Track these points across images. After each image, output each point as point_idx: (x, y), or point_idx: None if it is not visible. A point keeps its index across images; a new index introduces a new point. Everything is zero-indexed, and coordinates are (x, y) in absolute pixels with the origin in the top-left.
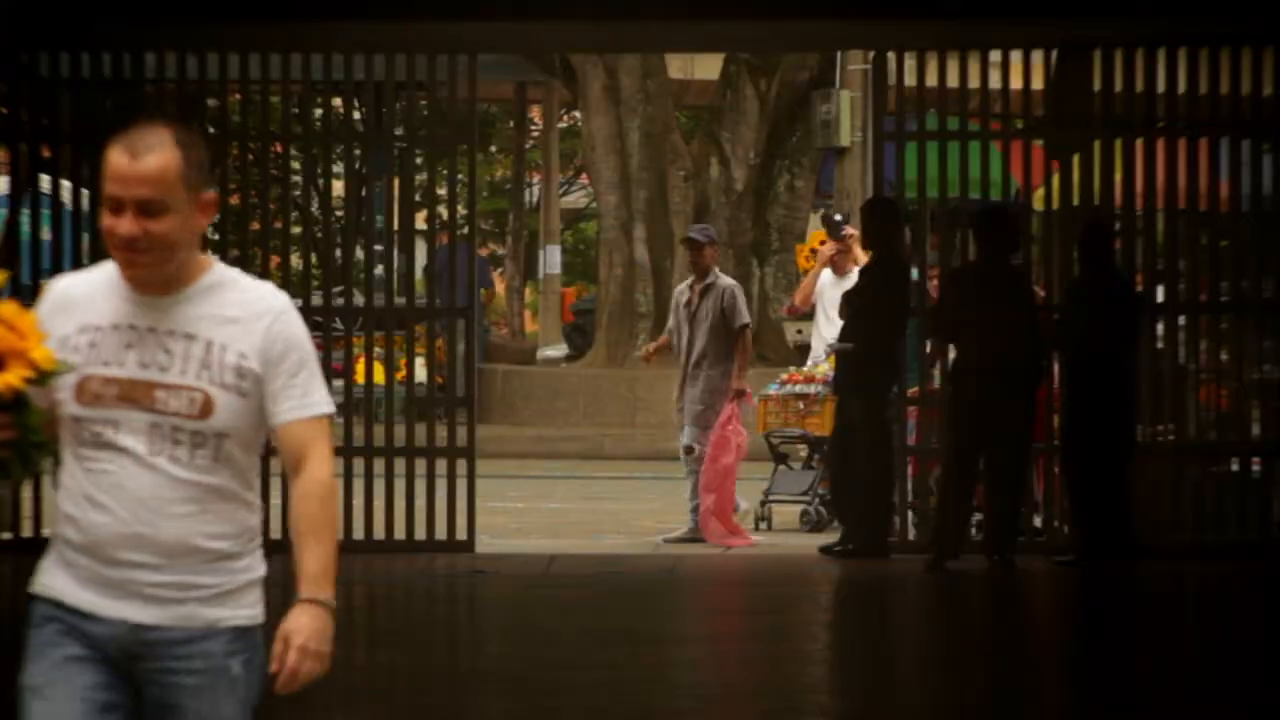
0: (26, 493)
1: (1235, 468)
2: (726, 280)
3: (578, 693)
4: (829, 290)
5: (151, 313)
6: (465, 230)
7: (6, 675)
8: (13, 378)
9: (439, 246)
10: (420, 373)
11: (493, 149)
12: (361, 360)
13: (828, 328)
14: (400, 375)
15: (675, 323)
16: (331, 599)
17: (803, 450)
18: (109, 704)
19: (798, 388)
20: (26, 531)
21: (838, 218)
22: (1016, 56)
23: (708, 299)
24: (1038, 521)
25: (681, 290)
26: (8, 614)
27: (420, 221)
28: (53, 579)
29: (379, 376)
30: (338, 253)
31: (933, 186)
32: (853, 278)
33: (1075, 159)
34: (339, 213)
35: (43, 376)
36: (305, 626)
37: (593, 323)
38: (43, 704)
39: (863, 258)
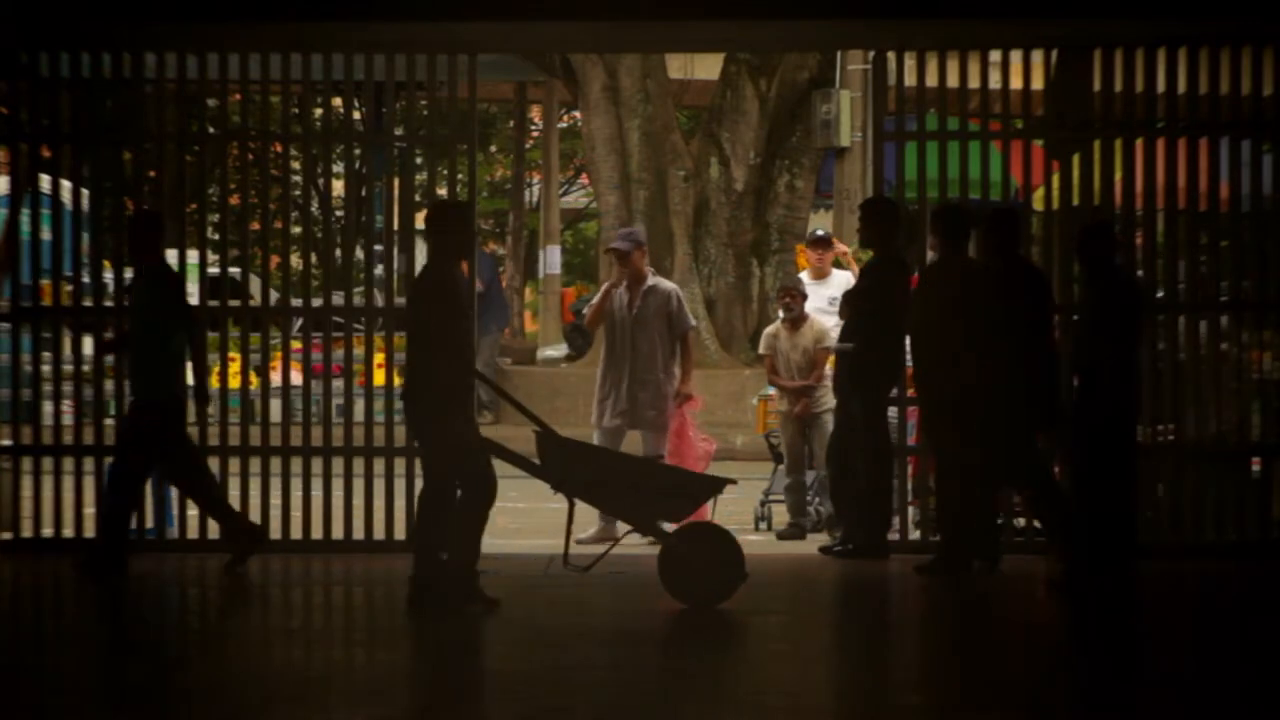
0: (26, 492)
1: (1235, 468)
2: (669, 284)
3: (578, 692)
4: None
5: None
6: None
7: (5, 673)
8: None
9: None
10: None
11: (493, 149)
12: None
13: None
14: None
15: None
16: None
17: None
18: None
19: None
20: (26, 531)
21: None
22: (1016, 56)
23: (651, 302)
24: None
25: (618, 290)
26: (8, 614)
27: (420, 221)
28: None
29: (379, 377)
30: (338, 253)
31: (933, 187)
32: (831, 282)
33: (1075, 159)
34: (339, 213)
35: None
36: None
37: None
38: None
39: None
